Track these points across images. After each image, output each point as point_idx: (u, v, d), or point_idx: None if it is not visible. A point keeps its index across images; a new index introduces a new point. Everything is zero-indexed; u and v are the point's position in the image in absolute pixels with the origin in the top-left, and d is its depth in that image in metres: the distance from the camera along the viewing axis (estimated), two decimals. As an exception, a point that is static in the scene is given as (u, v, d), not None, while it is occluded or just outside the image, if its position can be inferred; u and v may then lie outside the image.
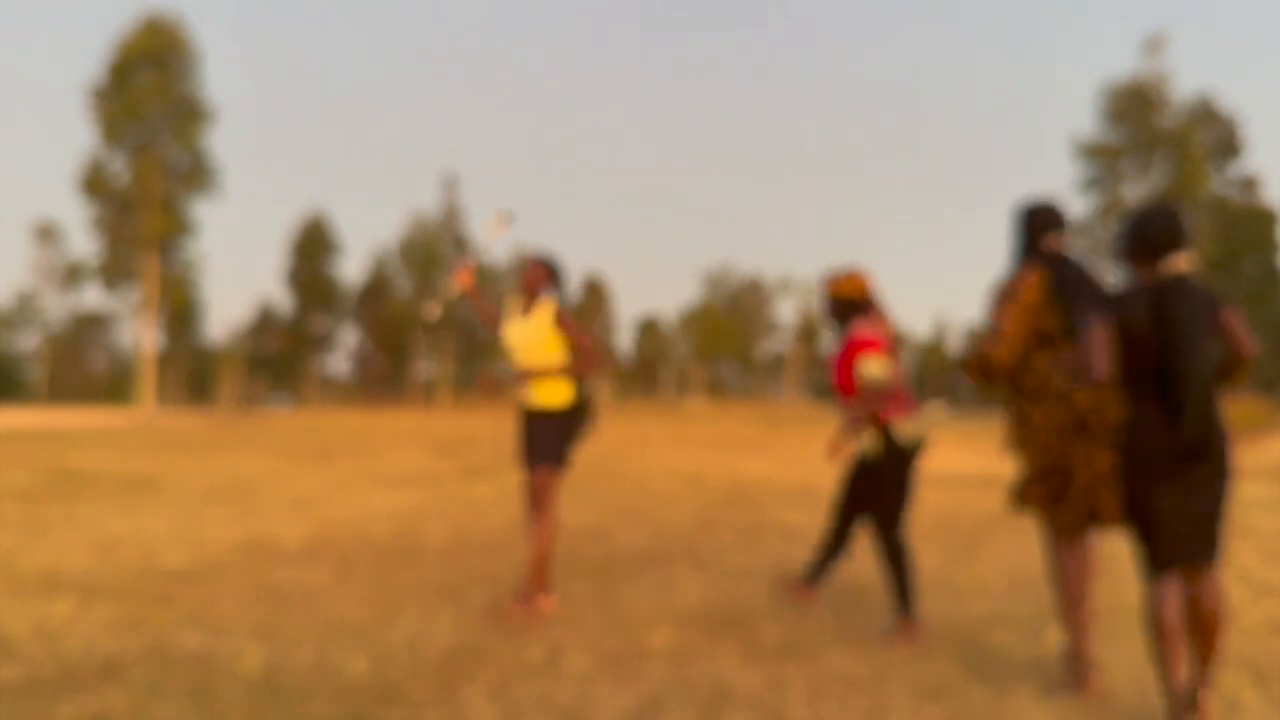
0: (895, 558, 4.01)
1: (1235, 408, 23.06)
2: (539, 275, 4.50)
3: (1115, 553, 6.47)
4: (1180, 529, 2.85)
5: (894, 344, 4.15)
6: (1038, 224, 3.49)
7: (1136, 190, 23.89)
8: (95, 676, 3.38)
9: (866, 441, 4.02)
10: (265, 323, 66.02)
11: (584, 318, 75.34)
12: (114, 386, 60.39)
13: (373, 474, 11.71)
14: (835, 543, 4.41)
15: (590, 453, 16.69)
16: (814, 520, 7.90)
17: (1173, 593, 2.85)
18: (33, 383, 61.49)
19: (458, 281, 4.65)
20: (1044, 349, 3.35)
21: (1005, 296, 3.37)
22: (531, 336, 4.43)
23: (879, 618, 4.46)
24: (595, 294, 76.86)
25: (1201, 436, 2.80)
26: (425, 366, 65.03)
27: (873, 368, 3.96)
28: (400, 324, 61.11)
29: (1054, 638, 4.11)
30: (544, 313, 4.45)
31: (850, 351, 4.06)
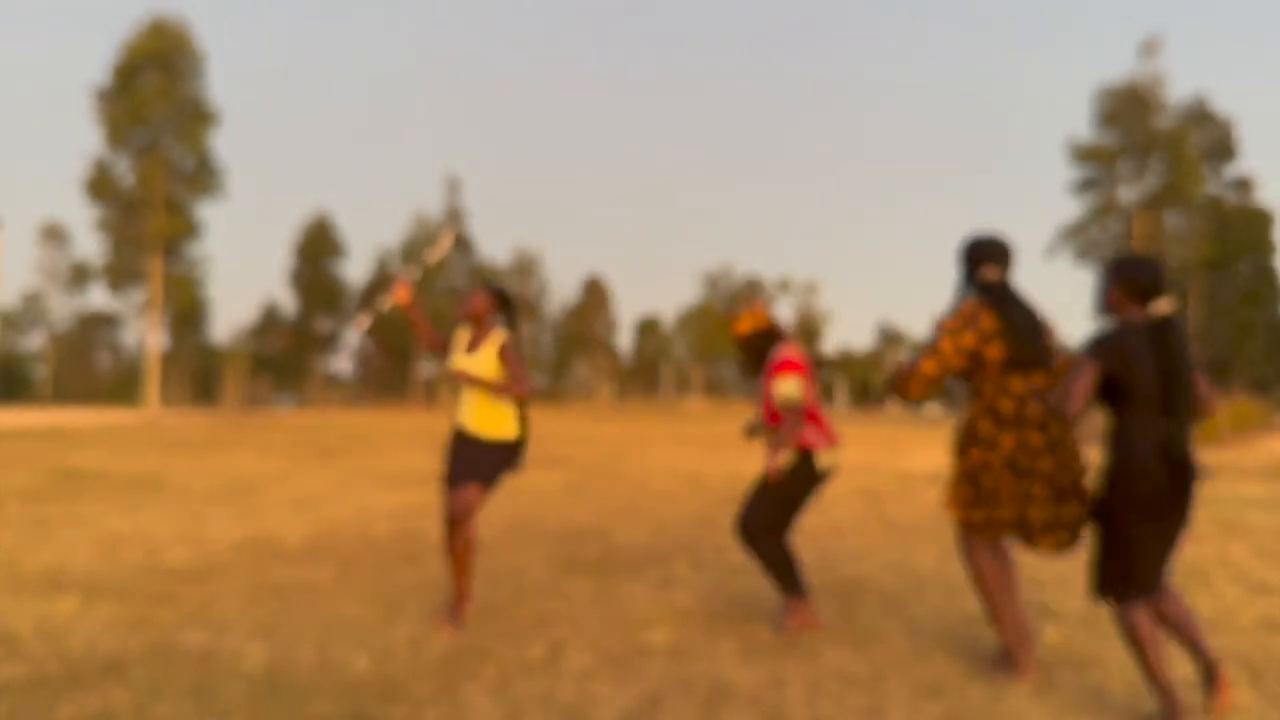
0: (777, 560, 4.11)
1: (1231, 408, 23.59)
2: (484, 304, 4.32)
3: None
4: (1159, 562, 3.02)
5: (811, 368, 4.26)
6: (981, 256, 3.62)
7: (1132, 192, 24.00)
8: (98, 675, 3.40)
9: (785, 460, 4.10)
10: (270, 323, 66.17)
11: (585, 318, 75.48)
12: (119, 387, 60.50)
13: (374, 474, 11.74)
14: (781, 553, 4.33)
15: (591, 453, 16.71)
16: (811, 518, 7.91)
17: (1141, 610, 3.02)
18: (38, 383, 61.63)
19: (395, 295, 4.47)
20: (1016, 375, 3.44)
21: (959, 322, 3.47)
22: (479, 368, 4.24)
23: (878, 617, 4.48)
24: (596, 294, 77.12)
25: (1190, 473, 2.98)
26: (427, 367, 65.19)
27: (788, 387, 4.06)
28: (402, 325, 61.36)
29: (1051, 636, 4.11)
30: (491, 345, 4.26)
31: (773, 373, 4.16)
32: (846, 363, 57.83)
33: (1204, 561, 6.03)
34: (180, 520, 7.32)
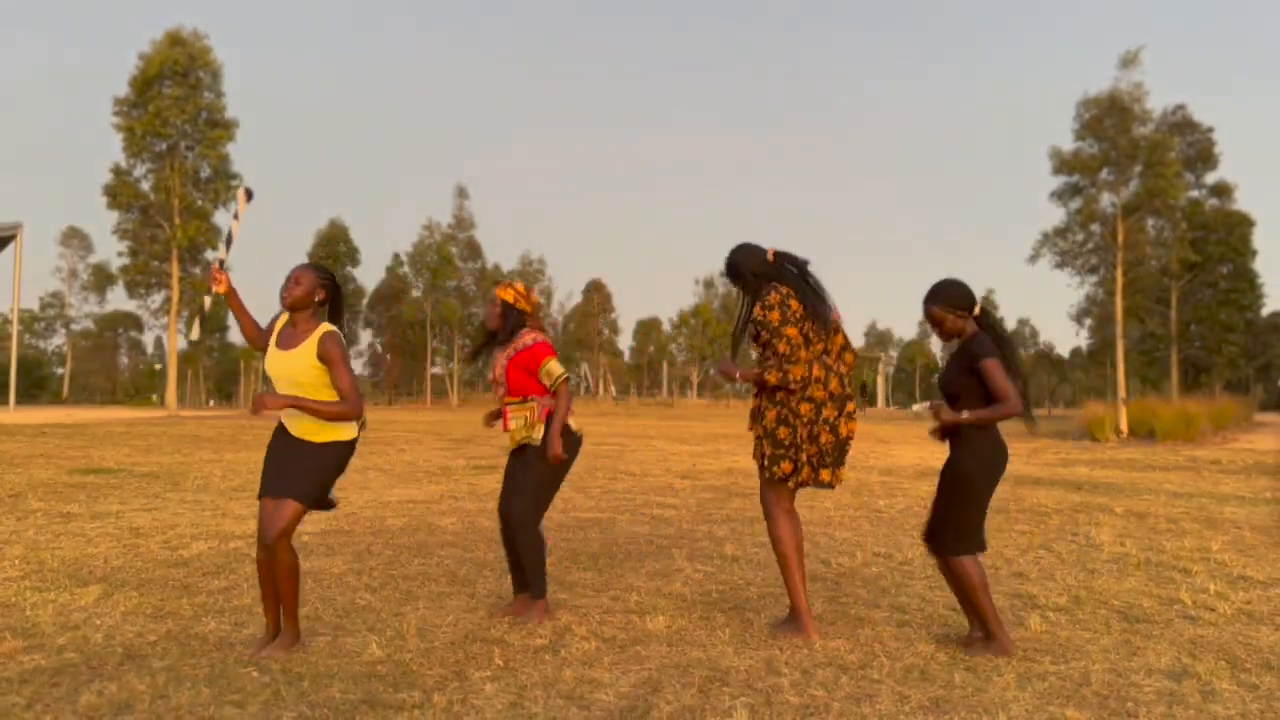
0: (539, 548, 4.30)
1: (1211, 407, 24.28)
2: (312, 287, 3.71)
3: (1093, 546, 6.57)
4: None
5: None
6: (759, 256, 4.09)
7: (1114, 198, 24.13)
8: (117, 664, 3.51)
9: (539, 433, 4.31)
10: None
11: (587, 320, 75.92)
12: (139, 388, 61.06)
13: (386, 468, 11.90)
14: (542, 546, 4.40)
15: (593, 448, 16.85)
16: (802, 512, 8.02)
17: (977, 560, 3.79)
18: (60, 384, 62.16)
19: (215, 285, 3.79)
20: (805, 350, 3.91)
21: (778, 312, 3.88)
22: (294, 370, 3.64)
23: (867, 606, 4.59)
24: (598, 297, 77.93)
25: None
26: (436, 367, 65.83)
27: (558, 366, 4.37)
28: (411, 325, 62.02)
29: (1035, 626, 4.21)
30: (310, 342, 3.64)
31: (533, 356, 4.34)
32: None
33: (1185, 555, 6.12)
34: (199, 514, 7.47)
